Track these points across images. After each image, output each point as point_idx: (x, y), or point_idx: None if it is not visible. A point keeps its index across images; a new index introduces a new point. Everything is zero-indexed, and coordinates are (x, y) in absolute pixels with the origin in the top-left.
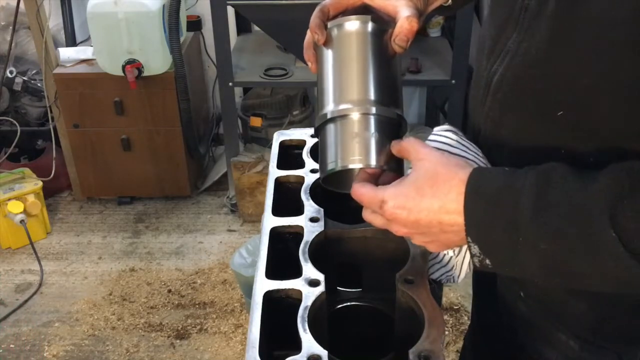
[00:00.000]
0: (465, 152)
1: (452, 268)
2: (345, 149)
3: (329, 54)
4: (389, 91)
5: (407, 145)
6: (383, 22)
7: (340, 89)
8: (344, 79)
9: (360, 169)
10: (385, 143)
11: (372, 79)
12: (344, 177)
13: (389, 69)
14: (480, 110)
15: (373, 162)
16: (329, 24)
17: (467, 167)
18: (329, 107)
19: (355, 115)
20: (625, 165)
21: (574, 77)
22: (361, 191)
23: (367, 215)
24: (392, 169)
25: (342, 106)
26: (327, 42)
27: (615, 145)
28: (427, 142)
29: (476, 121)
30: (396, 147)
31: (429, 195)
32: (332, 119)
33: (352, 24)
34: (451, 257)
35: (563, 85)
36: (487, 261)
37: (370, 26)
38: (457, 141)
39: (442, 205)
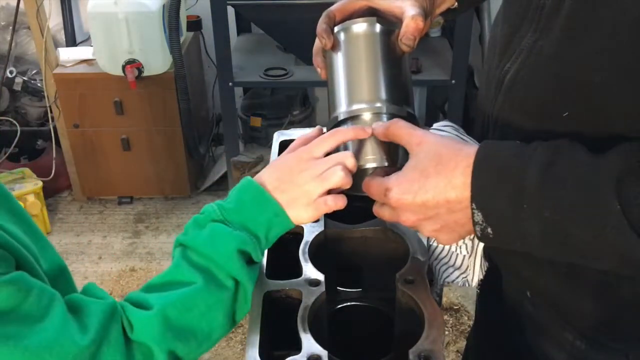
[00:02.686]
0: None
1: (466, 269)
2: (358, 149)
3: (337, 58)
4: (399, 90)
5: (396, 130)
6: (389, 23)
7: (350, 91)
8: (354, 81)
9: (375, 168)
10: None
11: (382, 79)
12: (357, 178)
13: (398, 69)
14: (490, 108)
15: (386, 160)
16: (336, 28)
17: (472, 145)
18: (341, 109)
19: (367, 115)
20: (636, 144)
21: (586, 77)
22: (369, 183)
23: (376, 208)
24: None
25: (354, 107)
26: (335, 47)
27: None
28: None
29: (485, 119)
30: (380, 130)
31: (434, 175)
32: (344, 121)
33: (359, 27)
34: (465, 256)
35: (573, 85)
36: (489, 229)
37: (376, 27)
38: (456, 135)
39: (448, 182)
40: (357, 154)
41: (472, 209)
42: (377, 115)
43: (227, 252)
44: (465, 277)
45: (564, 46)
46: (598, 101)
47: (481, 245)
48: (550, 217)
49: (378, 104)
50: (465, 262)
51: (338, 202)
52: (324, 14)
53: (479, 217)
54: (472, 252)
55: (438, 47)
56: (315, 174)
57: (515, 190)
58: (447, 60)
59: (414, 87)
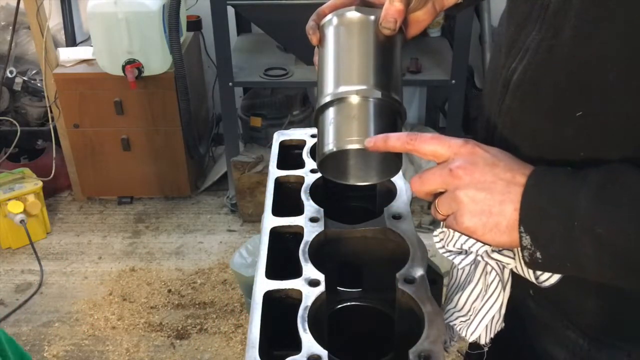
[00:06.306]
0: None
1: (467, 312)
2: (342, 130)
3: (324, 51)
4: (385, 76)
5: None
6: (373, 11)
7: (336, 77)
8: (339, 68)
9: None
10: (384, 126)
11: (367, 64)
12: (340, 164)
13: (383, 55)
14: (497, 108)
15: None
16: (321, 23)
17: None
18: (327, 91)
19: (354, 99)
20: None
21: (598, 76)
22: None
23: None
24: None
25: (340, 89)
26: (321, 41)
27: (636, 148)
28: None
29: (492, 119)
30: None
31: (497, 162)
32: (330, 103)
33: (339, 17)
34: (473, 309)
35: (586, 84)
36: (538, 254)
37: (356, 14)
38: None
39: (513, 174)
40: (340, 135)
41: (520, 232)
42: (363, 99)
43: None
44: (465, 322)
45: (573, 45)
46: (613, 99)
47: (497, 302)
48: (603, 234)
49: (365, 88)
50: (474, 317)
51: None
52: (315, 12)
53: (527, 241)
54: (480, 309)
55: (438, 47)
56: None
57: (567, 211)
58: (447, 60)
59: (414, 87)
